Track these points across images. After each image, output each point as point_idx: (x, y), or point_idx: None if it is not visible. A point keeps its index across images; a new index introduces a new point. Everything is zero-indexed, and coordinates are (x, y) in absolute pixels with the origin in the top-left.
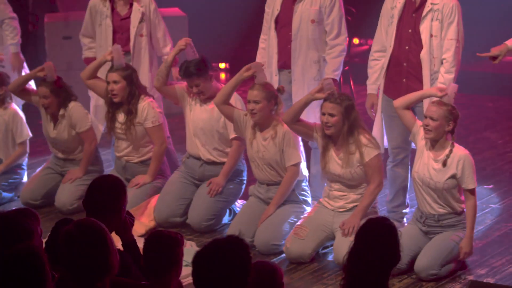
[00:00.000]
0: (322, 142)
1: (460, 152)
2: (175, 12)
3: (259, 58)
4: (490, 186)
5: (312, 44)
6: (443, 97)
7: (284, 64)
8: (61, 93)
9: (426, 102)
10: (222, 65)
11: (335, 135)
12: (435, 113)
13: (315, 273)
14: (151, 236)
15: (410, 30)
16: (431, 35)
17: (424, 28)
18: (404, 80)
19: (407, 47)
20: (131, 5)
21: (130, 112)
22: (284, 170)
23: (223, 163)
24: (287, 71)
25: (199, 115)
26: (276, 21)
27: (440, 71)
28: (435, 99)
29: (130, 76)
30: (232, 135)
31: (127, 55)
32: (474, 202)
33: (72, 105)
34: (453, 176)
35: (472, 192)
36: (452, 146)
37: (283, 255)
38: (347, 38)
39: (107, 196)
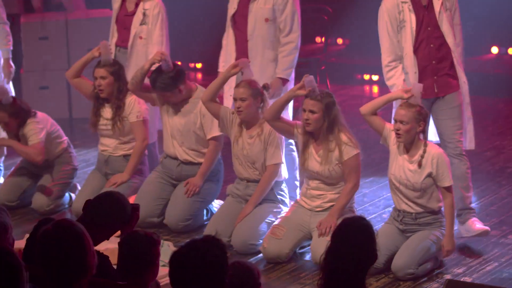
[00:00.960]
0: (302, 139)
1: (434, 150)
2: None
3: (222, 55)
4: None
5: (268, 43)
6: (410, 98)
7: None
8: (19, 113)
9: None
10: (198, 65)
11: (316, 132)
12: (404, 117)
13: (293, 272)
14: (127, 236)
15: (429, 28)
16: (450, 25)
17: (444, 21)
18: (435, 77)
19: (432, 45)
20: (137, 4)
21: (118, 107)
22: (264, 170)
23: (200, 163)
24: None
25: (177, 118)
26: (234, 20)
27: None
28: (401, 101)
29: (117, 72)
30: (209, 135)
31: (126, 51)
32: (452, 199)
33: (28, 122)
34: (429, 175)
35: (448, 189)
36: (425, 145)
37: (260, 254)
38: (300, 36)
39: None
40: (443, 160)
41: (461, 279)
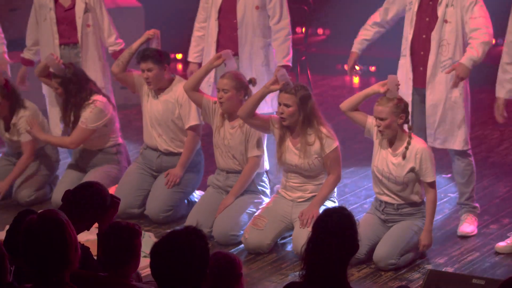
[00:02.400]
0: (279, 133)
1: (418, 145)
2: (131, 3)
3: (193, 45)
4: (449, 175)
5: (257, 31)
6: (387, 92)
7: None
8: (11, 96)
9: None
10: (179, 56)
11: (292, 125)
12: (382, 113)
13: (274, 263)
14: (109, 227)
15: (427, 19)
16: (445, 21)
17: (440, 14)
18: (421, 68)
19: (424, 36)
20: None
21: (77, 117)
22: (246, 161)
23: (180, 154)
24: (234, 58)
25: (155, 106)
26: (220, 9)
27: (469, 43)
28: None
29: (67, 81)
30: (187, 125)
31: (75, 47)
32: (434, 195)
33: (22, 113)
34: (412, 170)
35: (431, 185)
36: (410, 137)
37: (242, 245)
38: (290, 22)
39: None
40: (426, 156)
41: (443, 269)
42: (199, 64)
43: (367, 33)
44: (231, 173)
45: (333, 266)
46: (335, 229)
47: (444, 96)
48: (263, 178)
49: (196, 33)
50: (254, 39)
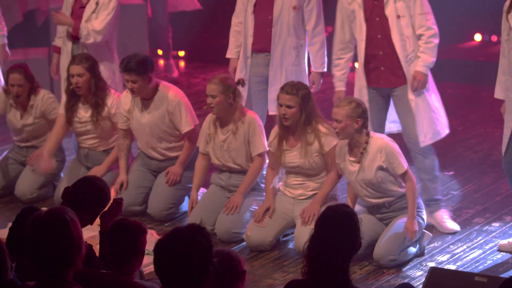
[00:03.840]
0: (279, 133)
1: (378, 142)
2: (133, 0)
3: (232, 41)
4: (451, 172)
5: (292, 30)
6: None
7: (262, 48)
8: (31, 79)
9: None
10: (181, 53)
11: (294, 125)
12: (337, 115)
13: (276, 260)
14: (116, 224)
15: (377, 19)
16: (398, 16)
17: (390, 12)
18: (382, 68)
19: (379, 36)
20: None
21: (97, 104)
22: (248, 162)
23: (176, 157)
24: (264, 55)
25: (140, 119)
26: (255, 4)
27: (419, 48)
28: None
29: (93, 67)
30: (183, 131)
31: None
32: (412, 183)
33: (42, 93)
34: (381, 168)
35: (404, 175)
36: (367, 142)
37: (244, 243)
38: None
39: (88, 198)
40: (390, 150)
41: (445, 267)
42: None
43: (341, 66)
44: (234, 173)
45: (335, 263)
46: (337, 227)
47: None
48: (265, 175)
49: (234, 28)
50: (288, 38)
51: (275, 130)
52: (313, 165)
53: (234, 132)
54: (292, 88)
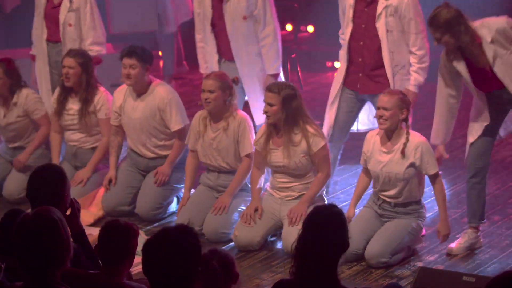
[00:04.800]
0: (266, 132)
1: (416, 139)
2: None
3: (200, 57)
4: (439, 172)
5: (250, 39)
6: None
7: (230, 58)
8: (13, 75)
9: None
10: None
11: (277, 123)
12: (388, 103)
13: (264, 261)
14: (108, 225)
15: (363, 25)
16: (387, 30)
17: (381, 25)
18: (360, 74)
19: (361, 43)
20: None
21: (86, 100)
22: (237, 161)
23: (165, 156)
24: (234, 63)
25: (131, 114)
26: (213, 24)
27: (411, 64)
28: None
29: (86, 63)
30: (173, 129)
31: (59, 45)
32: (441, 185)
33: (26, 92)
34: (412, 165)
35: (435, 176)
36: (408, 134)
37: (232, 243)
38: (276, 27)
39: (49, 185)
40: (427, 148)
41: (434, 267)
42: None
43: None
44: (222, 173)
45: (323, 263)
46: (325, 227)
47: None
48: None
49: (199, 44)
50: (248, 47)
51: (262, 128)
52: (299, 165)
53: (225, 129)
54: (276, 87)
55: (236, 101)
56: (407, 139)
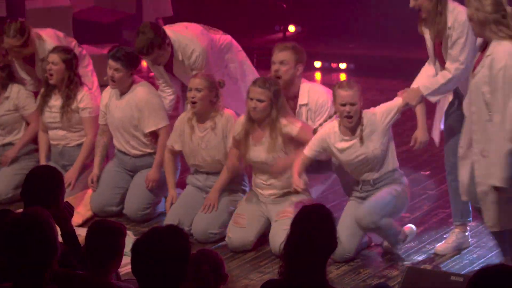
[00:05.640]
0: (245, 128)
1: (368, 114)
2: (60, 3)
3: (167, 102)
4: (427, 172)
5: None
6: None
7: None
8: (5, 69)
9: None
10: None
11: (261, 119)
12: (353, 97)
13: (253, 261)
14: (95, 225)
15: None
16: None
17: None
18: None
19: None
20: None
21: (68, 97)
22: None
23: (150, 153)
24: None
25: (114, 113)
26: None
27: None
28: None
29: (70, 60)
30: (156, 127)
31: None
32: (422, 105)
33: (18, 87)
34: (387, 130)
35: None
36: (362, 117)
37: (220, 244)
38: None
39: (45, 186)
40: (382, 109)
41: (421, 267)
42: None
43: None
44: (211, 174)
45: (311, 263)
46: (313, 227)
47: None
48: (243, 177)
49: (166, 93)
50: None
51: (240, 122)
52: (279, 161)
53: (213, 128)
54: (265, 82)
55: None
56: (362, 123)
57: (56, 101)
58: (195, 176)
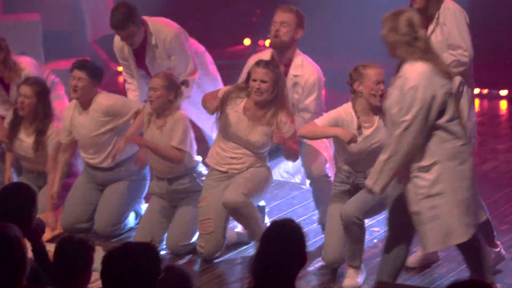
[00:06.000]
0: (247, 97)
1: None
2: (29, 17)
3: (132, 96)
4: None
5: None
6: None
7: None
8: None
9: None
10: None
11: (264, 102)
12: (381, 75)
13: (222, 276)
14: (62, 240)
15: None
16: None
17: None
18: None
19: None
20: None
21: (41, 132)
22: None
23: (120, 164)
24: None
25: (81, 130)
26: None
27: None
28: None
29: (42, 93)
30: (137, 108)
31: None
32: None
33: None
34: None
35: None
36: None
37: (191, 255)
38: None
39: (17, 203)
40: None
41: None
42: None
43: None
44: (173, 181)
45: (281, 279)
46: (283, 242)
47: None
48: (199, 171)
49: (130, 88)
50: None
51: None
52: (256, 144)
53: (162, 126)
54: (268, 64)
55: (181, 103)
56: (380, 110)
57: (28, 138)
58: (156, 183)
